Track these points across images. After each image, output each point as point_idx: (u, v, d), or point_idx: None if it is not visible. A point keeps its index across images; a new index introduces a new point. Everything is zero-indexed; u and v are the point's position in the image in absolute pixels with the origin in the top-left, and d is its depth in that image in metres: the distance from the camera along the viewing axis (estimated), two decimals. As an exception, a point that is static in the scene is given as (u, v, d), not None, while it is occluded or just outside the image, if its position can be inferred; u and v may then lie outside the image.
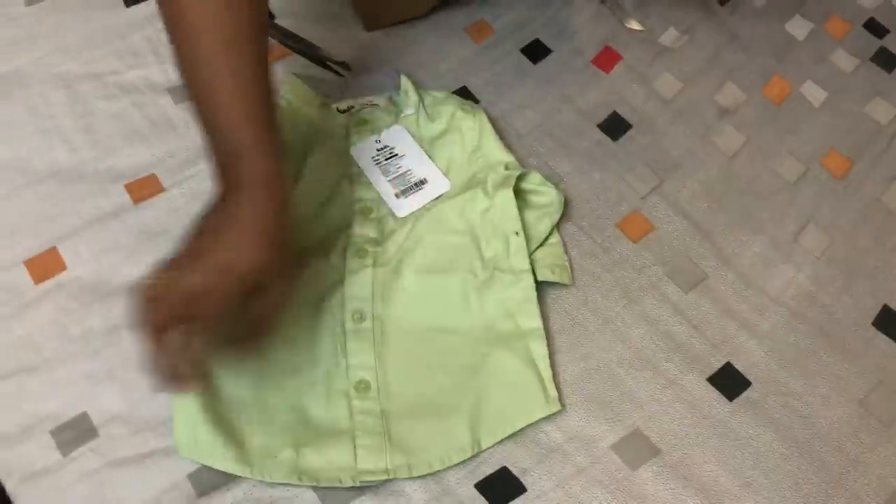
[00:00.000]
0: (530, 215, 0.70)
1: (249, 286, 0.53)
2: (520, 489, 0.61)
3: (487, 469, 0.61)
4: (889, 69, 0.84)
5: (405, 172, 0.72)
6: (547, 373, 0.64)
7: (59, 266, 0.67)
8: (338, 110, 0.75)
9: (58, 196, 0.70)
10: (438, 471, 0.61)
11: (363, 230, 0.69)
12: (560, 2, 0.85)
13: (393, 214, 0.70)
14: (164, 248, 0.68)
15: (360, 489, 0.60)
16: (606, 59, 0.82)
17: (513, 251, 0.68)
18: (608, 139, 0.77)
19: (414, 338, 0.65)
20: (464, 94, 0.78)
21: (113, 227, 0.69)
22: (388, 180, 0.71)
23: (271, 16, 0.80)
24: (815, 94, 0.82)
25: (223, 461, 0.59)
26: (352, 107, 0.75)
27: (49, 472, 0.59)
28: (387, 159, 0.72)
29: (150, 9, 0.80)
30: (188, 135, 0.74)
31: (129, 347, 0.64)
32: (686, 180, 0.76)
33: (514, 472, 0.61)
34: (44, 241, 0.68)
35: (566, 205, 0.72)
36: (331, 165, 0.72)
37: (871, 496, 0.62)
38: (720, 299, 0.70)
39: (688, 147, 0.77)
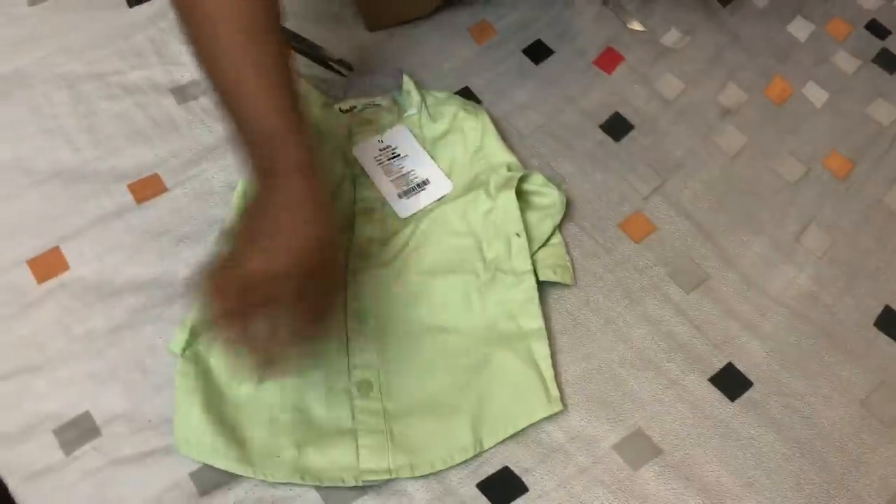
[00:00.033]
0: (532, 216, 0.70)
1: (311, 266, 0.53)
2: (521, 489, 0.61)
3: (489, 469, 0.62)
4: (891, 70, 0.84)
5: (408, 173, 0.72)
6: (549, 373, 0.64)
7: (62, 266, 0.67)
8: (340, 110, 0.75)
9: (61, 196, 0.70)
10: (440, 470, 0.61)
11: (366, 230, 0.69)
12: (562, 3, 0.85)
13: (395, 215, 0.70)
14: (166, 247, 0.68)
15: (363, 489, 0.60)
16: (608, 59, 0.82)
17: (515, 252, 0.68)
18: (610, 140, 0.77)
19: (416, 338, 0.65)
20: (466, 94, 0.79)
21: (116, 226, 0.69)
22: (391, 180, 0.71)
23: (274, 16, 0.80)
24: (816, 94, 0.82)
25: (225, 460, 0.59)
26: (354, 107, 0.75)
27: (52, 470, 0.59)
28: (389, 159, 0.72)
29: (153, 9, 0.80)
30: (191, 135, 0.74)
31: (132, 347, 0.64)
32: (688, 181, 0.76)
33: (516, 471, 0.61)
34: (47, 241, 0.68)
35: (568, 205, 0.72)
36: (333, 165, 0.72)
37: (872, 496, 0.62)
38: (722, 300, 0.70)
39: (689, 147, 0.78)
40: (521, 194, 0.70)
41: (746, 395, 0.66)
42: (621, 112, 0.79)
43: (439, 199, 0.71)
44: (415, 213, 0.70)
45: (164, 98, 0.76)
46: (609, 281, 0.70)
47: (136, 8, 0.80)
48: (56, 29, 0.78)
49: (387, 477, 0.60)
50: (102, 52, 0.78)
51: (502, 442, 0.62)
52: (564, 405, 0.64)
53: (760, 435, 0.64)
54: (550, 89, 0.80)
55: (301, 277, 0.52)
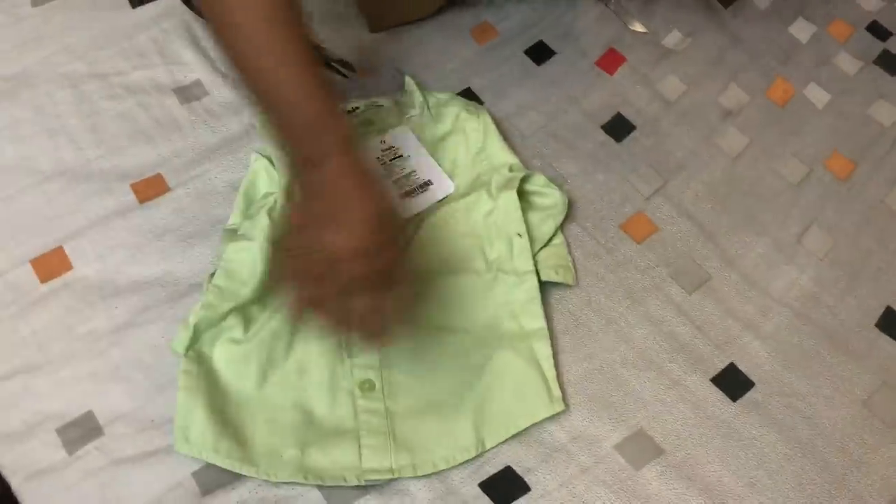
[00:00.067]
0: (534, 216, 0.70)
1: (381, 237, 0.54)
2: (524, 489, 0.61)
3: (491, 468, 0.62)
4: (892, 72, 0.84)
5: (410, 174, 0.72)
6: (551, 373, 0.64)
7: (65, 265, 0.67)
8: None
9: (64, 195, 0.70)
10: (443, 470, 0.61)
11: (368, 230, 0.69)
12: (564, 4, 0.85)
13: (397, 215, 0.70)
14: (169, 247, 0.68)
15: (365, 488, 0.60)
16: (610, 60, 0.82)
17: (516, 252, 0.68)
18: (612, 141, 0.78)
19: (418, 338, 0.65)
20: (468, 95, 0.79)
21: (118, 226, 0.69)
22: (393, 181, 0.71)
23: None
24: (818, 96, 0.82)
25: (228, 460, 0.59)
26: (356, 108, 0.75)
27: (54, 470, 0.59)
28: (391, 160, 0.73)
29: (156, 10, 0.81)
30: (193, 135, 0.74)
31: (135, 347, 0.64)
32: (690, 182, 0.76)
33: (518, 471, 0.62)
34: (50, 241, 0.68)
35: (570, 206, 0.72)
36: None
37: (874, 497, 0.62)
38: (724, 300, 0.70)
39: (691, 149, 0.78)
40: (522, 195, 0.70)
41: (748, 395, 0.66)
42: (623, 113, 0.79)
43: (441, 200, 0.71)
44: (417, 214, 0.70)
45: (167, 98, 0.76)
46: (611, 281, 0.70)
47: (139, 8, 0.81)
48: (59, 29, 0.79)
49: (389, 476, 0.60)
50: (105, 53, 0.78)
51: (504, 442, 0.62)
52: (566, 405, 0.64)
53: (762, 435, 0.64)
54: (552, 90, 0.80)
55: (377, 249, 0.54)
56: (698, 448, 0.63)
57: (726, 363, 0.67)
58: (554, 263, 0.69)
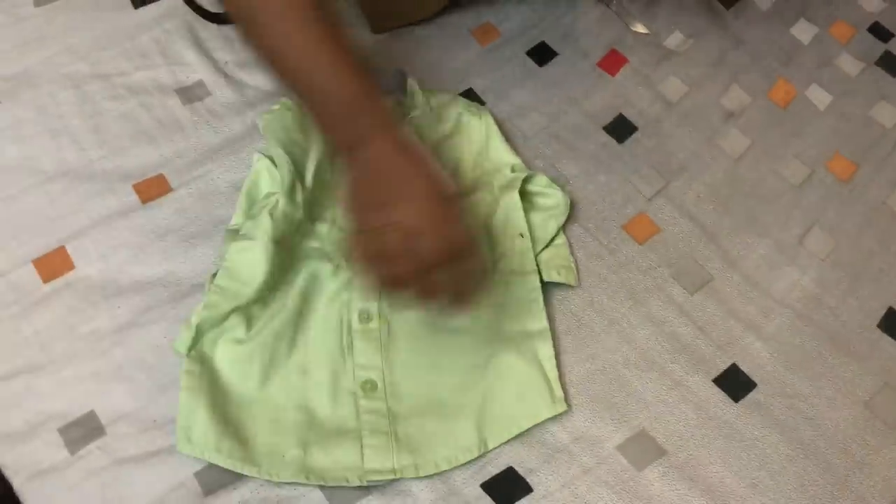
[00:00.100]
0: (536, 217, 0.70)
1: (450, 207, 0.56)
2: (526, 489, 0.61)
3: (494, 469, 0.62)
4: (894, 73, 0.84)
5: (412, 174, 0.72)
6: (553, 373, 0.64)
7: (68, 265, 0.67)
8: (345, 112, 0.75)
9: (66, 196, 0.70)
10: (445, 471, 0.61)
11: (370, 231, 0.69)
12: (566, 5, 0.85)
13: (399, 215, 0.70)
14: (171, 247, 0.68)
15: (367, 489, 0.60)
16: (612, 62, 0.82)
17: (519, 253, 0.68)
18: (614, 141, 0.78)
19: (420, 338, 0.65)
20: (470, 95, 0.79)
21: (121, 226, 0.69)
22: (395, 181, 0.71)
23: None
24: (820, 97, 0.82)
25: (230, 460, 0.59)
26: (359, 108, 0.75)
27: (56, 469, 0.59)
28: (393, 160, 0.72)
29: (158, 11, 0.81)
30: (196, 135, 0.74)
31: (137, 347, 0.64)
32: (692, 183, 0.76)
33: (521, 472, 0.62)
34: (52, 241, 0.68)
35: (572, 206, 0.72)
36: (338, 166, 0.72)
37: (876, 498, 0.62)
38: (726, 301, 0.70)
39: (693, 150, 0.78)
40: (524, 195, 0.70)
41: (750, 396, 0.66)
42: (625, 114, 0.79)
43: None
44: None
45: (170, 99, 0.76)
46: (613, 282, 0.70)
47: (142, 9, 0.81)
48: (62, 29, 0.79)
49: (391, 477, 0.60)
50: (108, 53, 0.78)
51: (507, 442, 0.62)
52: (569, 406, 0.64)
53: (764, 436, 0.64)
54: (554, 91, 0.80)
55: (446, 220, 0.55)
56: (700, 449, 0.63)
57: (728, 364, 0.67)
58: (556, 264, 0.69)
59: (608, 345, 0.67)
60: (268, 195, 0.69)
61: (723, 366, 0.67)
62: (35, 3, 0.80)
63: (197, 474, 0.60)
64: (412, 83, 0.76)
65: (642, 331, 0.68)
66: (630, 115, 0.79)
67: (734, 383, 0.66)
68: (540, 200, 0.71)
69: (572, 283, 0.69)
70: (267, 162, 0.70)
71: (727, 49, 0.84)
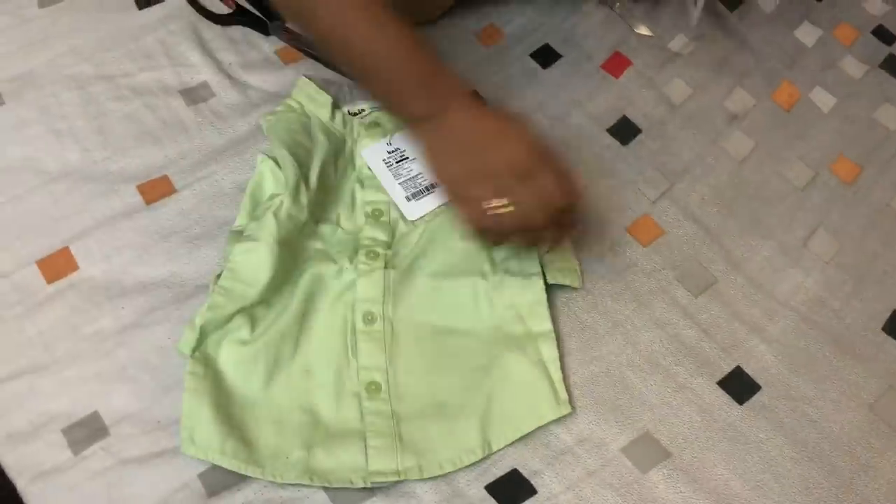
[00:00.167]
0: (540, 219, 0.70)
1: (557, 160, 0.61)
2: (530, 491, 0.61)
3: (498, 471, 0.62)
4: (898, 75, 0.85)
5: (416, 175, 0.72)
6: (557, 375, 0.64)
7: (72, 266, 0.67)
8: (349, 113, 0.75)
9: (70, 196, 0.70)
10: (449, 472, 0.61)
11: (374, 233, 0.69)
12: (569, 7, 0.85)
13: (404, 217, 0.70)
14: (175, 248, 0.68)
15: (371, 490, 0.60)
16: (616, 64, 0.82)
17: (523, 255, 0.68)
18: (618, 144, 0.78)
19: (424, 340, 0.65)
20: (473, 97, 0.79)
21: (125, 227, 0.69)
22: (399, 183, 0.71)
23: (282, 20, 0.81)
24: (824, 99, 0.82)
25: (234, 461, 0.59)
26: (363, 110, 0.75)
27: (60, 470, 0.59)
28: (398, 162, 0.73)
29: (162, 12, 0.81)
30: (200, 136, 0.74)
31: (141, 348, 0.64)
32: (696, 185, 0.76)
33: (525, 474, 0.61)
34: (56, 241, 0.68)
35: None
36: (342, 168, 0.72)
37: (881, 501, 0.62)
38: (730, 303, 0.70)
39: (697, 152, 0.78)
40: (529, 197, 0.70)
41: (755, 398, 0.66)
42: (629, 116, 0.79)
43: (447, 202, 0.71)
44: (423, 216, 0.70)
45: (174, 100, 0.76)
46: (617, 284, 0.70)
47: (146, 10, 0.81)
48: (66, 30, 0.79)
49: (395, 478, 0.60)
50: (112, 54, 0.78)
51: (511, 444, 0.62)
52: (573, 408, 0.64)
53: (769, 439, 0.64)
54: (558, 93, 0.80)
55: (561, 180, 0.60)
56: (705, 451, 0.63)
57: (733, 366, 0.67)
58: (560, 266, 0.69)
59: (612, 347, 0.67)
60: (272, 196, 0.69)
61: (727, 368, 0.67)
62: (39, 5, 0.80)
63: (201, 475, 0.60)
64: (416, 85, 0.76)
65: (646, 333, 0.68)
66: (634, 117, 0.79)
67: (739, 386, 0.66)
68: (544, 202, 0.71)
69: (576, 285, 0.69)
70: (271, 163, 0.70)
71: (731, 51, 0.84)
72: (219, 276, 0.64)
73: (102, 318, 0.65)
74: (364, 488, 0.60)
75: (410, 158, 0.73)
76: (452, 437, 0.62)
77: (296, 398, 0.62)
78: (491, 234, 0.62)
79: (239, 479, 0.59)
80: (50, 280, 0.66)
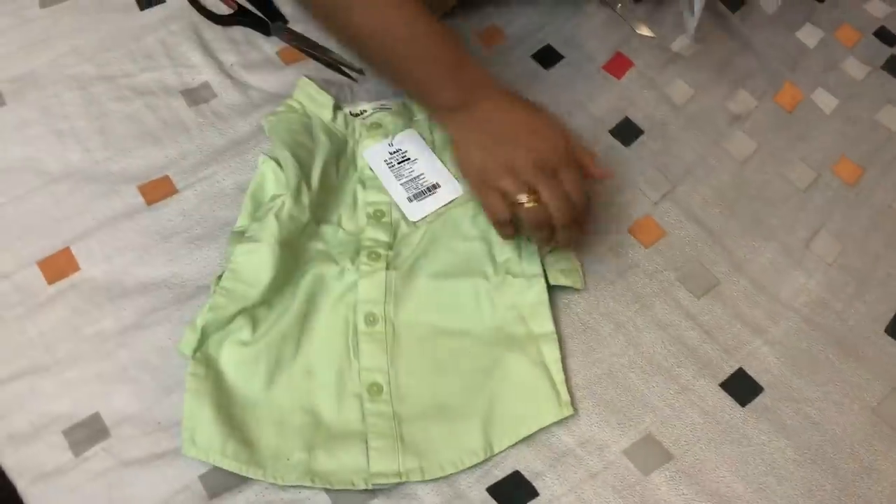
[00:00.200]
0: (542, 220, 0.70)
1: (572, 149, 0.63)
2: (532, 493, 0.61)
3: (499, 473, 0.61)
4: (900, 77, 0.84)
5: (418, 176, 0.72)
6: (559, 377, 0.64)
7: (73, 267, 0.67)
8: (350, 114, 0.75)
9: (71, 197, 0.70)
10: (450, 474, 0.61)
11: (376, 234, 0.69)
12: (571, 8, 0.85)
13: (405, 218, 0.70)
14: (176, 249, 0.68)
15: (373, 492, 0.60)
16: (618, 65, 0.82)
17: (525, 255, 0.68)
18: (620, 145, 0.78)
19: (426, 341, 0.65)
20: (476, 98, 0.78)
21: (126, 228, 0.69)
22: (401, 184, 0.71)
23: (285, 20, 0.81)
24: (826, 101, 0.82)
25: (235, 463, 0.59)
26: (364, 110, 0.75)
27: (61, 471, 0.59)
28: (399, 163, 0.72)
29: (164, 12, 0.81)
30: (201, 137, 0.74)
31: (142, 348, 0.64)
32: (698, 186, 0.76)
33: (527, 476, 0.61)
34: (57, 242, 0.68)
35: (578, 210, 0.72)
36: (343, 169, 0.72)
37: (883, 503, 0.62)
38: (732, 305, 0.70)
39: (699, 153, 0.78)
40: (531, 198, 0.70)
41: (757, 400, 0.65)
42: (631, 117, 0.79)
43: (449, 203, 0.71)
44: (424, 217, 0.70)
45: (175, 100, 0.76)
46: (619, 285, 0.70)
47: (147, 10, 0.81)
48: (67, 31, 0.79)
49: (397, 480, 0.60)
50: (113, 54, 0.78)
51: (512, 446, 0.62)
52: (575, 409, 0.64)
53: (771, 441, 0.64)
54: (560, 94, 0.80)
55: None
56: (707, 453, 0.63)
57: (735, 368, 0.67)
58: (562, 267, 0.68)
59: (614, 349, 0.67)
60: (274, 197, 0.68)
61: (730, 370, 0.67)
62: (41, 5, 0.80)
63: (202, 477, 0.59)
64: (418, 85, 0.76)
65: (648, 335, 0.68)
66: (636, 118, 0.79)
67: (741, 388, 0.66)
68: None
69: (578, 286, 0.69)
70: (272, 164, 0.70)
71: (733, 52, 0.84)
72: (220, 276, 0.64)
73: (103, 319, 0.65)
74: (365, 490, 0.60)
75: (412, 159, 0.73)
76: (454, 438, 0.61)
77: (297, 399, 0.62)
78: (508, 226, 0.63)
79: (240, 481, 0.59)
80: (51, 281, 0.66)
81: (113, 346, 0.64)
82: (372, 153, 0.73)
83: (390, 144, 0.73)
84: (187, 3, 0.81)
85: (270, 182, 0.70)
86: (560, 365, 0.64)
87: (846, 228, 0.75)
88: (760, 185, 0.76)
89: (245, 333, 0.63)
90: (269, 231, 0.64)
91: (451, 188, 0.72)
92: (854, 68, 0.85)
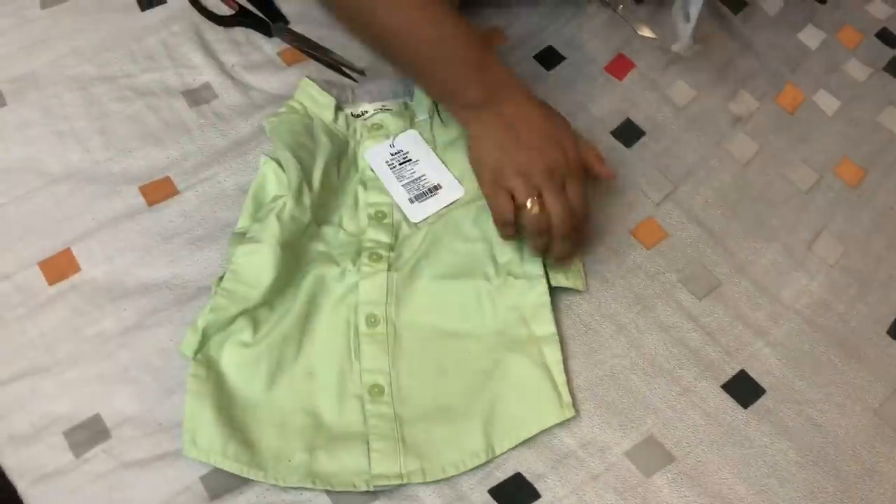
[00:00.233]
0: (544, 221, 0.70)
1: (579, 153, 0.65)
2: (534, 495, 0.61)
3: (501, 475, 0.61)
4: (902, 78, 0.84)
5: (419, 178, 0.72)
6: (561, 378, 0.64)
7: (74, 267, 0.67)
8: (352, 115, 0.75)
9: (72, 197, 0.70)
10: (452, 476, 0.61)
11: (377, 235, 0.69)
12: (573, 9, 0.85)
13: (407, 219, 0.70)
14: (178, 250, 0.68)
15: (374, 494, 0.60)
16: (619, 66, 0.82)
17: (526, 257, 0.68)
18: (621, 146, 0.77)
19: (427, 342, 0.65)
20: (477, 99, 0.78)
21: (127, 228, 0.69)
22: (402, 185, 0.71)
23: (286, 21, 0.81)
24: (828, 102, 0.82)
25: (236, 464, 0.59)
26: (366, 111, 0.75)
27: (61, 473, 0.59)
28: (401, 164, 0.72)
29: (165, 13, 0.80)
30: (202, 138, 0.74)
31: (143, 349, 0.64)
32: (699, 187, 0.76)
33: (528, 477, 0.61)
34: (58, 243, 0.68)
35: (580, 211, 0.72)
36: (345, 170, 0.72)
37: (886, 505, 0.62)
38: (734, 306, 0.70)
39: (701, 154, 0.77)
40: (533, 199, 0.70)
41: (759, 402, 0.65)
42: (632, 118, 0.79)
43: (451, 204, 0.71)
44: (426, 218, 0.70)
45: (176, 101, 0.76)
46: (621, 287, 0.70)
47: (148, 11, 0.81)
48: (68, 31, 0.79)
49: (398, 482, 0.60)
50: (114, 55, 0.78)
51: (514, 447, 0.62)
52: (576, 411, 0.63)
53: (773, 442, 0.64)
54: (561, 95, 0.80)
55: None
56: (709, 455, 0.63)
57: (737, 370, 0.67)
58: (564, 269, 0.68)
59: (616, 350, 0.67)
60: (275, 198, 0.68)
61: (731, 372, 0.67)
62: (41, 5, 0.80)
63: (203, 478, 0.59)
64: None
65: (650, 336, 0.68)
66: (637, 119, 0.79)
67: (743, 389, 0.66)
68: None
69: (580, 288, 0.68)
70: (273, 165, 0.70)
71: (735, 54, 0.84)
72: (221, 277, 0.64)
73: (104, 320, 0.65)
74: (367, 492, 0.59)
75: (413, 160, 0.73)
76: (456, 440, 0.61)
77: (298, 401, 0.62)
78: (510, 227, 0.64)
79: (241, 483, 0.59)
80: (52, 281, 0.66)
81: (114, 347, 0.64)
82: (373, 154, 0.73)
83: (392, 145, 0.73)
84: (188, 4, 0.81)
85: (272, 183, 0.70)
86: (562, 366, 0.64)
87: (848, 230, 0.75)
88: (762, 187, 0.76)
89: (246, 335, 0.62)
90: (271, 232, 0.64)
91: (452, 189, 0.72)
92: (856, 70, 0.85)
